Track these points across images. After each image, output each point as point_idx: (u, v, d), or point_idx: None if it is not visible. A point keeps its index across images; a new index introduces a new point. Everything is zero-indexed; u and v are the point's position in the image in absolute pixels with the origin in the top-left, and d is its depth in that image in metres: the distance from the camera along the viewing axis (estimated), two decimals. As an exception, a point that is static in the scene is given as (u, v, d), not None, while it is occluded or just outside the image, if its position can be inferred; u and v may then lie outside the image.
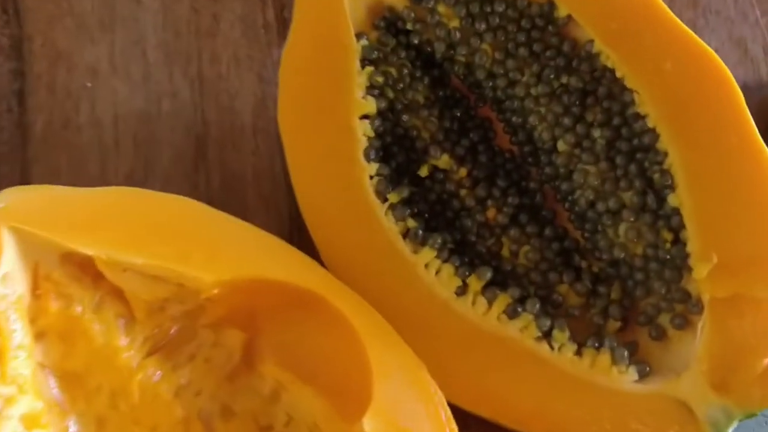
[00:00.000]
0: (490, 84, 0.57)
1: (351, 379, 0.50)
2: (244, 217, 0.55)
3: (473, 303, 0.51)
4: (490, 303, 0.51)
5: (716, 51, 0.50)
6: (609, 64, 0.52)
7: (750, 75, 0.72)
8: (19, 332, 0.50)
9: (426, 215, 0.55)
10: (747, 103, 0.49)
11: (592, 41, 0.53)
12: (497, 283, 0.52)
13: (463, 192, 0.56)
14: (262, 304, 0.54)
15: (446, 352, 0.51)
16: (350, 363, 0.50)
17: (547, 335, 0.50)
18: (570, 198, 0.55)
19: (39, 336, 0.52)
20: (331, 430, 0.51)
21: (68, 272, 0.53)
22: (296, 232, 0.62)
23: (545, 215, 0.56)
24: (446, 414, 0.47)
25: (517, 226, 0.55)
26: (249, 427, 0.55)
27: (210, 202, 0.56)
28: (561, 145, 0.54)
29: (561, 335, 0.50)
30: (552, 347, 0.50)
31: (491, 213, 0.56)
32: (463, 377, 0.50)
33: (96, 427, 0.53)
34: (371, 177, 0.54)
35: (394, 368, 0.49)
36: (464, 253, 0.54)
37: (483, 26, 0.55)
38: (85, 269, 0.53)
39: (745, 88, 0.50)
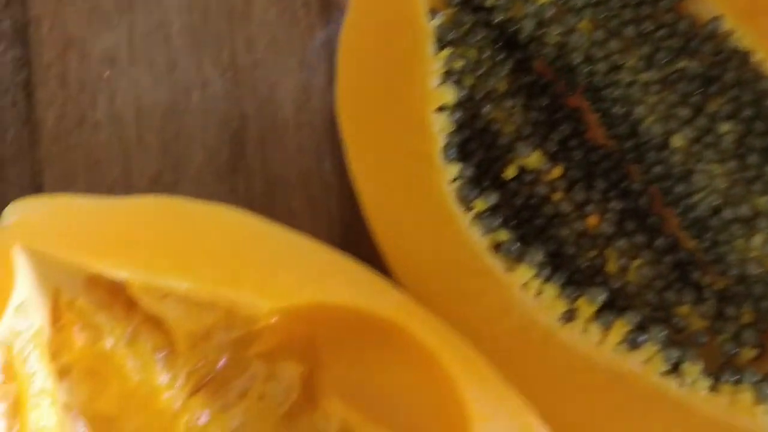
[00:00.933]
0: (587, 69, 0.48)
1: (440, 423, 0.42)
2: (290, 225, 0.46)
3: (584, 331, 0.43)
4: (604, 331, 0.43)
5: None
6: (741, 46, 0.44)
7: None
8: (40, 374, 0.41)
9: (516, 225, 0.46)
10: None
11: (719, 18, 0.44)
12: (609, 306, 0.44)
13: (556, 196, 0.48)
14: (323, 335, 0.46)
15: (550, 392, 0.42)
16: (438, 404, 0.42)
17: (675, 369, 0.42)
18: (686, 203, 0.46)
19: (63, 373, 0.44)
20: (414, 482, 0.43)
21: (95, 299, 0.44)
22: (353, 245, 0.53)
23: (653, 222, 0.48)
24: (563, 469, 0.39)
25: (624, 235, 0.47)
26: (314, 476, 0.47)
27: (250, 207, 0.47)
28: (676, 141, 0.46)
29: (693, 368, 0.42)
30: (682, 383, 0.42)
31: (593, 220, 0.47)
32: (574, 423, 0.42)
33: (131, 481, 0.45)
34: (451, 180, 0.45)
35: (495, 411, 0.40)
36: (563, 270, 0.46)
37: (581, 1, 0.47)
38: (116, 295, 0.45)
39: None
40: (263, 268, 0.44)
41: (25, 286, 0.42)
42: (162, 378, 0.45)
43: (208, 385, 0.47)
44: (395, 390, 0.45)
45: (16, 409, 0.39)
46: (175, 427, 0.45)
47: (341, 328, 0.44)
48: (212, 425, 0.46)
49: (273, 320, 0.43)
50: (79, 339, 0.44)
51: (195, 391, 0.46)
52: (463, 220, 0.45)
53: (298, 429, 0.47)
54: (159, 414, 0.45)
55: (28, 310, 0.42)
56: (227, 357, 0.47)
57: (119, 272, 0.42)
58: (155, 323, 0.45)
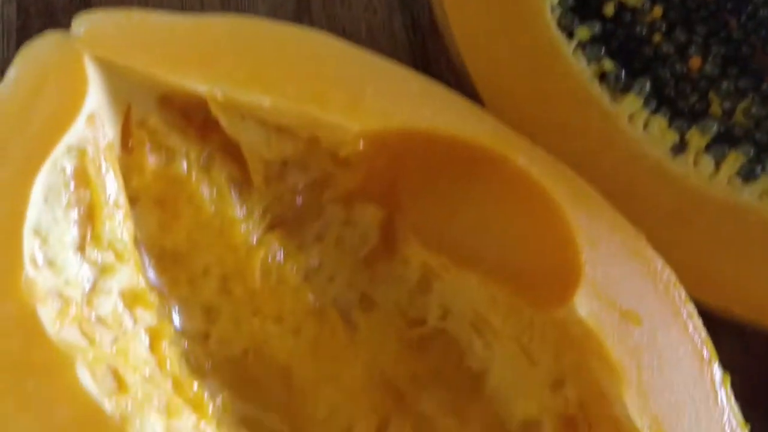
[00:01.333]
0: None
1: (543, 254, 0.39)
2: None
3: (695, 163, 0.40)
4: (717, 163, 0.40)
5: None
6: None
7: None
8: (112, 186, 0.38)
9: (620, 58, 0.43)
10: None
11: None
12: (719, 141, 0.41)
13: (657, 37, 0.45)
14: (406, 172, 0.43)
15: (660, 225, 0.40)
16: (540, 235, 0.39)
17: (793, 202, 0.39)
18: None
19: (131, 202, 0.41)
20: (509, 320, 0.41)
21: (168, 119, 0.41)
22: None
23: (756, 69, 0.45)
24: (680, 294, 0.36)
25: (728, 78, 0.44)
26: (395, 321, 0.43)
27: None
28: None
29: (813, 201, 0.39)
30: (801, 217, 0.39)
31: (695, 62, 0.44)
32: (684, 257, 0.39)
33: (203, 318, 0.42)
34: (552, 7, 0.42)
35: (604, 237, 0.37)
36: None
37: None
38: (190, 118, 0.42)
39: None
40: (351, 89, 0.40)
41: (96, 97, 0.38)
42: (237, 211, 0.42)
43: (283, 225, 0.44)
44: (484, 228, 0.42)
45: (89, 217, 0.36)
46: (251, 262, 0.42)
47: (429, 161, 0.41)
48: (289, 263, 0.43)
49: (359, 146, 0.40)
50: (150, 161, 0.40)
51: (270, 229, 0.43)
52: (566, 48, 0.42)
53: (377, 275, 0.44)
54: (233, 249, 0.42)
55: (100, 123, 0.38)
56: (303, 199, 0.44)
57: (198, 86, 0.39)
58: (231, 152, 0.42)
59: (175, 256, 0.42)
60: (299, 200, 0.43)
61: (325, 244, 0.44)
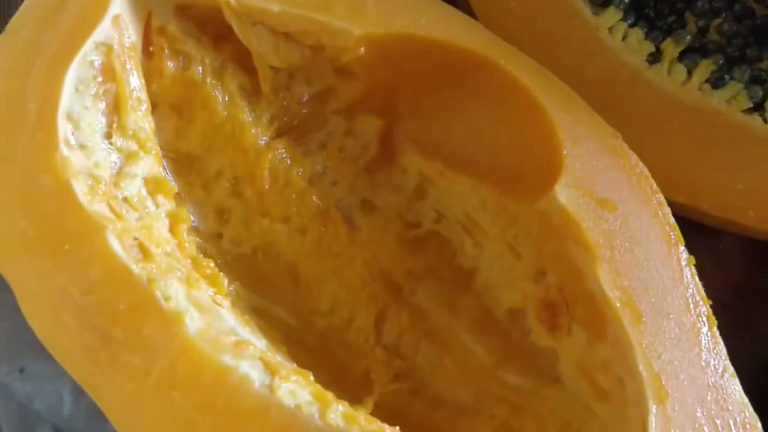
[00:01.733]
0: None
1: (529, 153, 0.42)
2: None
3: (669, 72, 0.44)
4: (689, 71, 0.44)
5: None
6: None
7: None
8: (137, 82, 0.41)
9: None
10: None
11: None
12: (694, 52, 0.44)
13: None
14: (405, 82, 0.46)
15: (637, 129, 0.43)
16: (527, 135, 0.43)
17: (759, 107, 0.43)
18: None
19: (151, 106, 0.44)
20: (497, 220, 0.44)
21: (185, 28, 0.44)
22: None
23: (729, -8, 0.48)
24: (651, 186, 0.40)
25: (702, -2, 0.47)
26: (394, 223, 0.47)
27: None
28: None
29: (776, 106, 0.42)
30: (765, 120, 0.42)
31: (672, -18, 0.47)
32: (658, 158, 0.42)
33: (216, 219, 0.45)
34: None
35: (584, 136, 0.41)
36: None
37: None
38: (204, 27, 0.45)
39: None
40: (353, -1, 0.44)
41: (119, 2, 0.41)
42: (247, 116, 0.45)
43: (289, 133, 0.47)
44: (477, 135, 0.45)
45: (115, 108, 0.39)
46: (260, 164, 0.45)
47: (426, 70, 0.44)
48: (295, 168, 0.46)
49: (361, 52, 0.43)
50: (169, 66, 0.44)
51: (278, 135, 0.47)
52: (550, -36, 0.45)
53: (377, 181, 0.48)
54: (244, 151, 0.45)
55: (123, 23, 0.42)
56: (307, 111, 0.48)
57: (212, -8, 0.42)
58: (241, 62, 0.45)
59: (190, 160, 0.46)
60: (305, 112, 0.47)
61: (329, 152, 0.47)
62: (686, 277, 0.39)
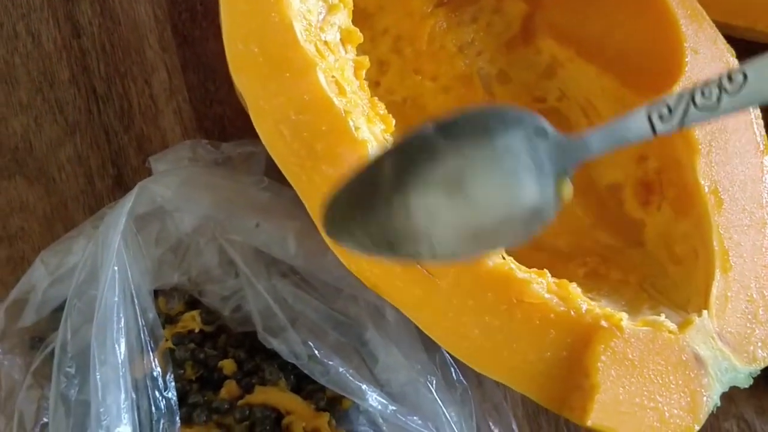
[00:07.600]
0: None
1: (654, 53, 0.49)
2: None
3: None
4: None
5: None
6: None
7: None
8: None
9: None
10: None
11: None
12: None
13: None
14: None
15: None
16: (655, 37, 0.49)
17: None
18: None
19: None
20: (613, 107, 0.52)
21: None
22: None
23: None
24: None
25: None
26: (523, 96, 0.55)
27: None
28: None
29: None
30: None
31: None
32: None
33: (377, 69, 0.54)
34: None
35: (704, 48, 0.48)
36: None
37: None
38: None
39: None
40: None
41: None
42: (414, -14, 0.53)
43: (449, 4, 0.55)
44: (610, 29, 0.52)
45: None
46: (422, 28, 0.54)
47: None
48: (450, 34, 0.54)
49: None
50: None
51: (440, 5, 0.55)
52: None
53: (514, 58, 0.56)
54: (410, 15, 0.54)
55: None
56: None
57: None
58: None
59: (365, 16, 0.54)
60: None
61: (479, 25, 0.55)
62: (764, 181, 0.47)
